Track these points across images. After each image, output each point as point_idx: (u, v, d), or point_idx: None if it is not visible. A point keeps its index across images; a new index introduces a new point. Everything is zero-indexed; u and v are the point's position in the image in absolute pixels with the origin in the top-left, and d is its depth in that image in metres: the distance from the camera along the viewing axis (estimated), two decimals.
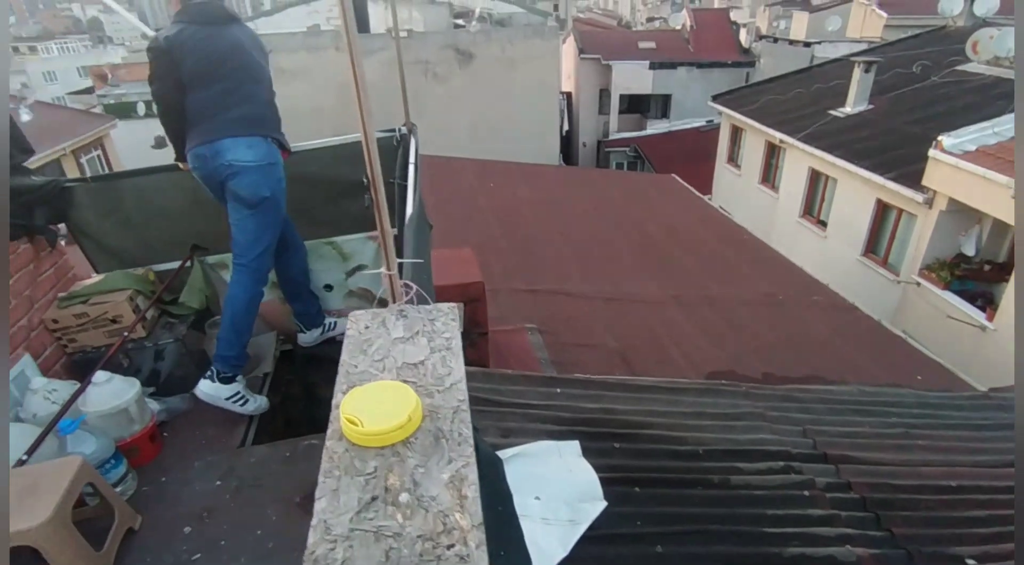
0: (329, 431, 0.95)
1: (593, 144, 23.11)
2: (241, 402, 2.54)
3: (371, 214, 2.91)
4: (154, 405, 2.55)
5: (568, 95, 23.02)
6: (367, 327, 1.20)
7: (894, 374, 4.92)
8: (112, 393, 2.31)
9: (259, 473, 2.32)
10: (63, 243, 2.81)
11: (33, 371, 2.46)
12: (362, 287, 3.07)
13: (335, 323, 3.03)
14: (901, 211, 8.86)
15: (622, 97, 22.15)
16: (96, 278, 2.80)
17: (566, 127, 21.86)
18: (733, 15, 24.79)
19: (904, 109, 10.16)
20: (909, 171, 8.29)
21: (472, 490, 0.83)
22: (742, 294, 6.51)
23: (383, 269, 1.25)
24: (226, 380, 2.52)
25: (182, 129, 2.48)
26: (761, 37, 22.22)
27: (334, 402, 1.01)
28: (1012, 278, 7.30)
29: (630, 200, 9.69)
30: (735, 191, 13.79)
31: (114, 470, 2.21)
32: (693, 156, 17.74)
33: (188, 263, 2.84)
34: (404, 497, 0.82)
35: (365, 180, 2.89)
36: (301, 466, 2.33)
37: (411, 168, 2.19)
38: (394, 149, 2.71)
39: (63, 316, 2.57)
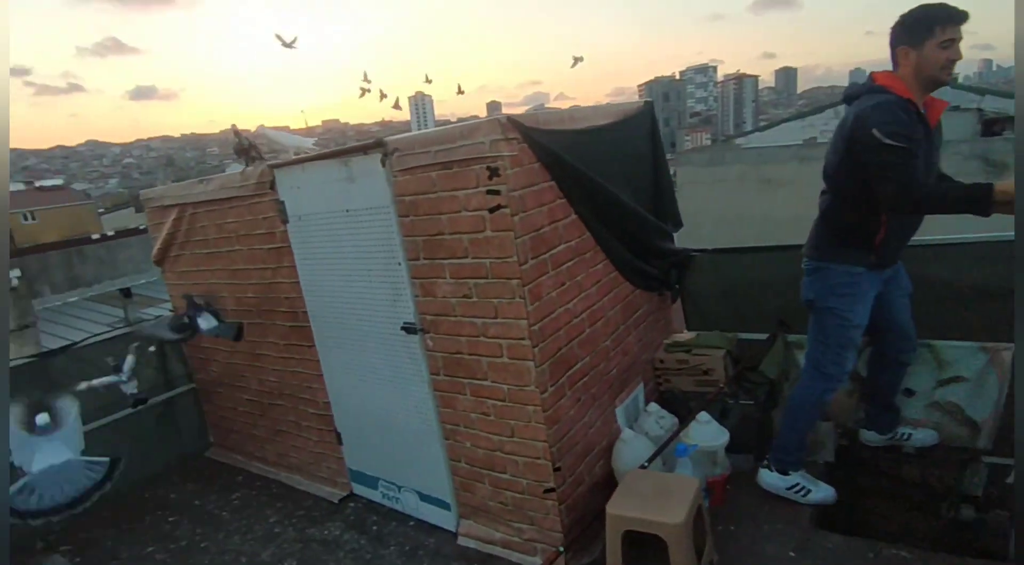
0: None
1: None
2: (802, 493, 2.57)
3: (983, 322, 2.60)
4: None
5: None
6: None
7: None
8: (710, 434, 2.64)
9: (837, 563, 2.25)
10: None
11: (642, 397, 3.02)
12: (952, 401, 2.74)
13: (909, 435, 2.77)
14: None
15: None
16: (689, 334, 3.30)
17: None
18: None
19: None
20: None
21: None
22: None
23: None
24: (782, 471, 2.59)
25: None
26: None
27: None
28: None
29: None
30: None
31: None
32: None
33: (773, 337, 3.06)
34: None
35: None
36: None
37: None
38: None
39: (668, 359, 3.10)
